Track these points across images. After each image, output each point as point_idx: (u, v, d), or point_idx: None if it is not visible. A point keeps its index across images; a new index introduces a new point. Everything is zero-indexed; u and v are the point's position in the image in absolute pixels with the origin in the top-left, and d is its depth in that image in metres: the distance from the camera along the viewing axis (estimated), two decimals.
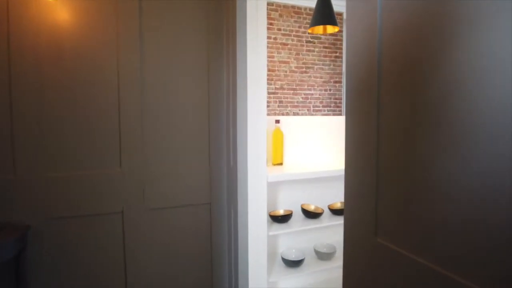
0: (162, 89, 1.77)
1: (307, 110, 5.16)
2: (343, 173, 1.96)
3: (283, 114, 4.96)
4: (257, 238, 1.73)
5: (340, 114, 5.40)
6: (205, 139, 1.86)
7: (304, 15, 5.27)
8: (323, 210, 2.07)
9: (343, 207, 2.15)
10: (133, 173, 1.72)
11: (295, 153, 2.24)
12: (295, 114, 5.04)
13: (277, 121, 2.06)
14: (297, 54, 5.17)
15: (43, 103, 1.57)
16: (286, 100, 5.04)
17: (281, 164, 2.07)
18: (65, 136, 1.61)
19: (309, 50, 5.26)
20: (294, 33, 5.18)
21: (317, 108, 5.25)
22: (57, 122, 1.59)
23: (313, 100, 5.21)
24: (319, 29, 2.22)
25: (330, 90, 5.36)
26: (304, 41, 5.23)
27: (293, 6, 5.17)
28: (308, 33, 5.29)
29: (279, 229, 1.87)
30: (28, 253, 1.58)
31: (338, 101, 5.42)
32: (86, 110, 1.64)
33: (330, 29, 2.19)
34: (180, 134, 1.81)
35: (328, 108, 5.34)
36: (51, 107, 1.58)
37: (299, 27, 5.24)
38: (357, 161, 0.77)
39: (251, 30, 1.66)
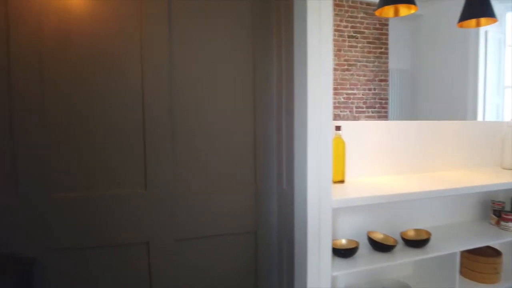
0: (195, 92, 1.42)
1: (349, 111, 4.69)
2: (431, 195, 1.52)
3: None
4: (318, 279, 1.33)
5: (386, 116, 4.88)
6: (250, 153, 1.48)
7: (346, 8, 4.80)
8: (396, 241, 1.63)
9: (419, 238, 1.70)
10: (161, 195, 1.37)
11: (356, 167, 1.82)
12: (336, 115, 4.58)
13: (338, 128, 1.65)
14: (338, 50, 4.71)
15: (48, 108, 1.26)
16: None
17: (342, 181, 1.66)
18: (76, 149, 1.29)
19: (351, 46, 4.78)
20: (335, 27, 4.72)
21: (360, 110, 4.75)
22: (66, 133, 1.28)
23: (355, 101, 4.72)
24: (389, 11, 1.79)
25: (374, 89, 4.85)
26: (346, 36, 4.75)
27: None
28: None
29: (342, 267, 1.46)
30: None
31: (383, 101, 4.89)
32: (102, 117, 1.31)
33: (404, 10, 1.75)
34: (219, 148, 1.45)
35: (373, 109, 4.83)
36: (57, 114, 1.27)
37: (341, 20, 4.77)
38: None
39: (312, 23, 1.27)
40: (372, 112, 4.83)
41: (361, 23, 5.05)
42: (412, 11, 1.74)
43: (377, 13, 1.81)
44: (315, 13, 1.29)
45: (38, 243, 1.27)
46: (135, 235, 1.36)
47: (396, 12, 1.79)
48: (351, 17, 4.88)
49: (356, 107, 4.75)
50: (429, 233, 1.70)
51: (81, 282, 1.33)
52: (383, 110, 4.92)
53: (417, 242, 1.65)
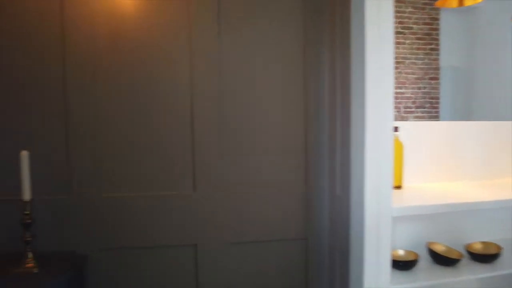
0: (244, 93, 1.39)
1: (397, 111, 4.44)
2: (507, 205, 1.36)
3: None
4: None
5: (437, 117, 4.56)
6: (300, 156, 1.41)
7: (394, 2, 4.54)
8: (461, 255, 1.48)
9: (488, 252, 1.53)
10: (210, 197, 1.35)
11: (413, 171, 1.68)
12: None
13: (395, 129, 1.52)
14: None
15: (100, 110, 1.29)
16: None
17: (399, 187, 1.53)
18: (127, 150, 1.31)
19: (399, 43, 4.52)
20: None
21: (409, 110, 4.49)
22: (117, 134, 1.31)
23: (404, 100, 4.46)
24: (452, 1, 1.63)
25: (424, 88, 4.55)
26: (393, 32, 4.50)
27: None
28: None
29: (401, 280, 1.34)
30: None
31: (434, 100, 4.58)
32: (152, 119, 1.32)
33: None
34: (268, 150, 1.41)
35: (422, 110, 4.54)
36: (109, 115, 1.30)
37: None
38: None
39: (371, 20, 1.19)
40: (422, 112, 4.54)
41: (409, 18, 4.78)
42: (479, 0, 1.57)
43: (438, 4, 1.66)
44: (374, 9, 1.20)
45: (90, 241, 1.30)
46: (183, 237, 1.35)
47: (461, 2, 1.63)
48: (398, 12, 4.63)
49: (405, 107, 4.49)
50: (499, 247, 1.53)
51: (129, 281, 1.35)
52: (433, 110, 4.61)
53: (486, 257, 1.49)
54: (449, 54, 4.74)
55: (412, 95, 4.51)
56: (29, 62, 1.24)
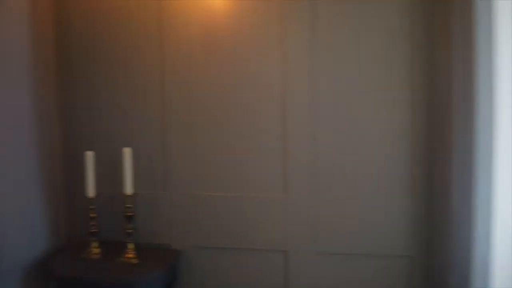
0: (340, 95, 1.28)
1: None
2: None
3: None
4: None
5: None
6: (406, 164, 1.25)
7: None
8: None
9: None
10: (301, 201, 1.29)
11: None
12: None
13: None
14: None
15: (193, 113, 1.34)
16: None
17: None
18: (220, 150, 1.33)
19: None
20: None
21: None
22: (211, 135, 1.34)
23: None
24: None
25: None
26: None
27: None
28: None
29: None
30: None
31: None
32: (244, 120, 1.32)
33: None
34: (367, 156, 1.28)
35: None
36: (204, 117, 1.33)
37: None
38: None
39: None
40: None
41: None
42: None
43: None
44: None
45: (184, 238, 1.35)
46: (273, 242, 1.32)
47: None
48: None
49: None
50: None
51: (218, 281, 1.36)
52: None
53: None
54: None
55: None
56: (130, 63, 1.35)
